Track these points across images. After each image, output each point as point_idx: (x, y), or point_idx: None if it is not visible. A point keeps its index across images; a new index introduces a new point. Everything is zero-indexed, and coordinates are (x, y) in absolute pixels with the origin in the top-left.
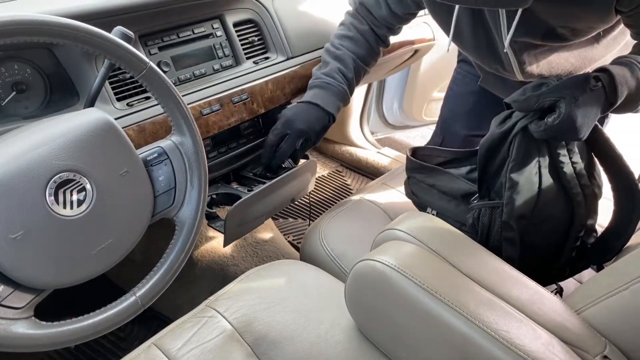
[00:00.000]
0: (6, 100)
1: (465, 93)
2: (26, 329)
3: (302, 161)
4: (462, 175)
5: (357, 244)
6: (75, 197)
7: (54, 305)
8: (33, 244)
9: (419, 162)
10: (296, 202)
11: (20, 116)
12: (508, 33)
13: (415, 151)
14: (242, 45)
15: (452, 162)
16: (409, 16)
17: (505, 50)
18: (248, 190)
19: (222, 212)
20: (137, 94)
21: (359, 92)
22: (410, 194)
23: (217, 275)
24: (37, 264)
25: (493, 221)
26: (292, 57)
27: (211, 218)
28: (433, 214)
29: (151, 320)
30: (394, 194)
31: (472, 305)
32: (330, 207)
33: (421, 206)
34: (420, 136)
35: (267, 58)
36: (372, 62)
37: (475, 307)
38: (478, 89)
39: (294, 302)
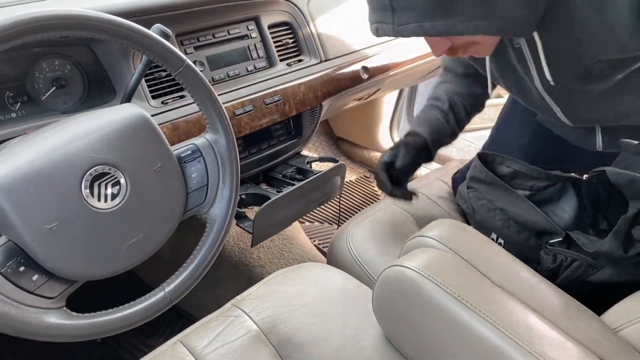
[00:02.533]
0: (46, 95)
1: (518, 124)
2: (58, 319)
3: (330, 164)
4: (526, 195)
5: (385, 250)
6: (109, 190)
7: (82, 298)
8: (67, 235)
9: (491, 175)
10: (323, 207)
11: (58, 111)
12: (538, 78)
13: (481, 156)
14: (276, 47)
15: (518, 175)
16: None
17: (540, 96)
18: (277, 192)
19: (250, 212)
20: (171, 92)
21: (390, 97)
22: (469, 208)
23: (243, 276)
24: (70, 255)
25: (576, 274)
26: (325, 61)
27: (240, 218)
28: (500, 243)
29: (176, 318)
30: (423, 201)
31: (503, 316)
32: (357, 212)
33: (482, 227)
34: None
35: (300, 61)
36: (474, 101)
37: (507, 318)
38: (533, 121)
39: (320, 306)
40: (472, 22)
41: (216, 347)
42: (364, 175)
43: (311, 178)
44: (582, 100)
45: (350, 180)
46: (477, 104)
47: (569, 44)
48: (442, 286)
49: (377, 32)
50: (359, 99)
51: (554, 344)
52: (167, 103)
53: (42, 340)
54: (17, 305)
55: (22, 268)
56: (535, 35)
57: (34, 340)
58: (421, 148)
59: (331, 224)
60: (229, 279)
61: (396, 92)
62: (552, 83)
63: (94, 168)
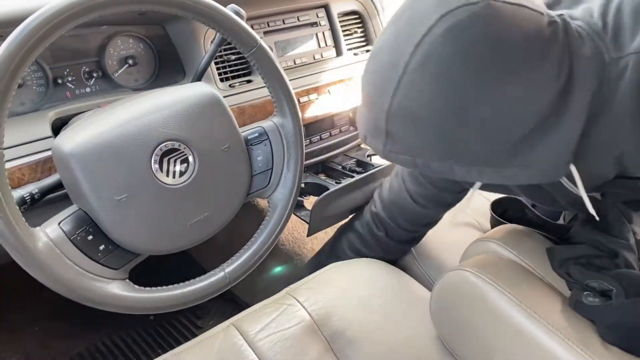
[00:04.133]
0: (119, 71)
1: None
2: (120, 290)
3: None
4: None
5: (445, 251)
6: (178, 167)
7: (138, 274)
8: (135, 207)
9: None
10: None
11: (129, 88)
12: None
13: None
14: (344, 36)
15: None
16: None
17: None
18: (336, 183)
19: (308, 202)
20: (239, 76)
21: None
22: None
23: (296, 266)
24: (136, 227)
25: None
26: None
27: (297, 207)
28: None
29: (227, 302)
30: (487, 203)
31: (573, 331)
32: None
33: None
34: None
35: (368, 51)
36: None
37: (578, 334)
38: None
39: (375, 302)
40: (486, 168)
41: (269, 334)
42: None
43: (371, 171)
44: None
45: None
46: None
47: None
48: (508, 294)
49: (365, 141)
50: None
51: None
52: (234, 86)
53: (103, 310)
54: (84, 273)
55: (90, 237)
56: (572, 167)
57: (93, 308)
58: None
59: None
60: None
61: None
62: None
63: (165, 143)
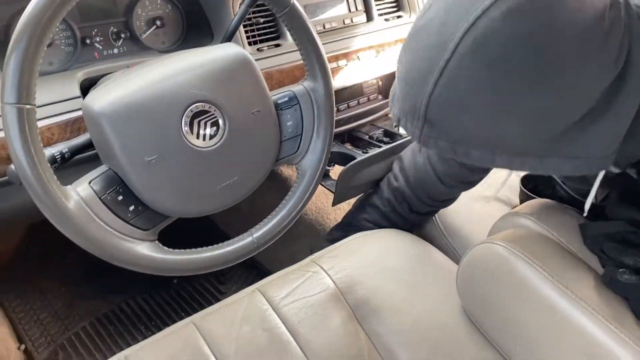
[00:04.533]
0: (147, 33)
1: None
2: (149, 251)
3: None
4: None
5: (472, 225)
6: (208, 130)
7: (163, 239)
8: (165, 169)
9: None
10: None
11: (157, 50)
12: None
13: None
14: (375, 0)
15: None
16: None
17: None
18: (363, 152)
19: (333, 172)
20: (267, 40)
21: None
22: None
23: (319, 235)
24: (166, 189)
25: None
26: None
27: (323, 176)
28: None
29: (250, 269)
30: (517, 178)
31: (607, 308)
32: None
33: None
34: None
35: (399, 17)
36: None
37: (612, 311)
38: None
39: (400, 273)
40: (529, 158)
41: (293, 300)
42: None
43: (399, 141)
44: None
45: None
46: None
47: None
48: (540, 269)
49: (399, 123)
50: None
51: None
52: (262, 50)
53: (132, 270)
54: (113, 233)
55: (120, 197)
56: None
57: (117, 272)
58: None
59: None
60: (305, 237)
61: None
62: None
63: (195, 105)
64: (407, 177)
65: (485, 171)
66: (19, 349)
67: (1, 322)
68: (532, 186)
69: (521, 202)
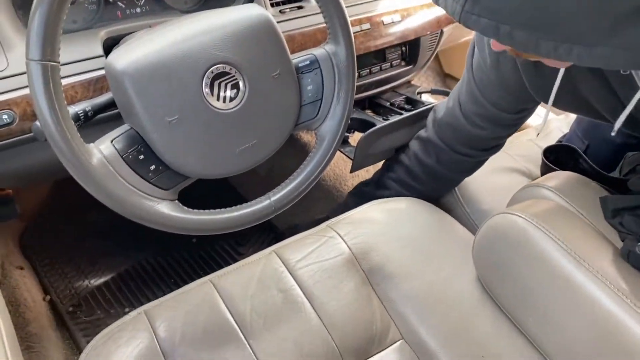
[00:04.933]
0: None
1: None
2: (169, 210)
3: (441, 98)
4: None
5: (491, 196)
6: (228, 92)
7: (183, 199)
8: (186, 130)
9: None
10: None
11: (179, 10)
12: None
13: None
14: None
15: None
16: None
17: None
18: (383, 119)
19: (352, 139)
20: (290, 1)
21: None
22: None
23: (336, 202)
24: (186, 150)
25: None
26: None
27: (342, 142)
28: None
29: (267, 233)
30: (538, 150)
31: (623, 282)
32: None
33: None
34: None
35: None
36: None
37: (628, 285)
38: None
39: (415, 241)
40: (577, 46)
41: (309, 263)
42: None
43: (421, 109)
44: None
45: None
46: None
47: None
48: (557, 240)
49: (438, 2)
50: None
51: None
52: (284, 12)
53: (152, 228)
54: (135, 191)
55: (141, 156)
56: None
57: (137, 231)
58: None
59: None
60: (322, 202)
61: None
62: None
63: (216, 66)
64: (437, 123)
65: (517, 113)
66: (44, 299)
67: (28, 274)
68: (554, 158)
69: (542, 174)
